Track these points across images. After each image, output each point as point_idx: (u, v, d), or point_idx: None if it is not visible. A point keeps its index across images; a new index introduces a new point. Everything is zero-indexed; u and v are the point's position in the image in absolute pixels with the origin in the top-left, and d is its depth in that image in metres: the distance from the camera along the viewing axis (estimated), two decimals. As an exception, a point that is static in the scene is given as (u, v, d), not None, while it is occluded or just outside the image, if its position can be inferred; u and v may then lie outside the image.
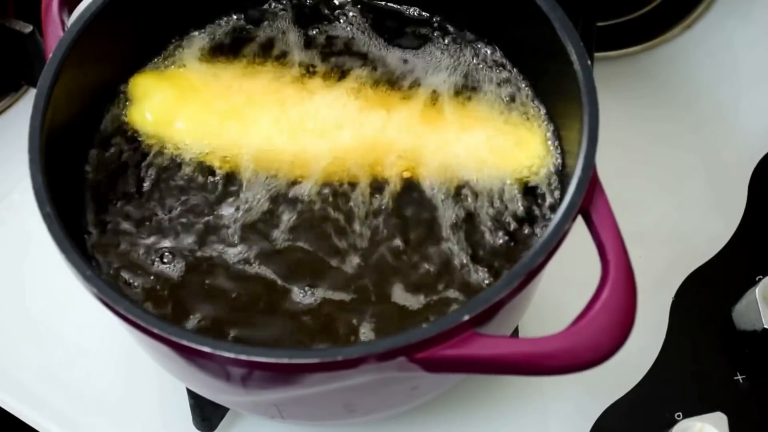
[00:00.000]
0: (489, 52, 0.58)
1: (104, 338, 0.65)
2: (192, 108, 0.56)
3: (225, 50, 0.59)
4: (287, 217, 0.53)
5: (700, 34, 0.79)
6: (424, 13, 0.60)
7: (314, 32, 0.59)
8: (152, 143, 0.56)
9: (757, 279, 0.65)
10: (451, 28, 0.59)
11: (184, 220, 0.53)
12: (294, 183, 0.54)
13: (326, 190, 0.54)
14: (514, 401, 0.63)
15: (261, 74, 0.58)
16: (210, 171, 0.55)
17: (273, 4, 0.60)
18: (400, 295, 0.51)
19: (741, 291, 0.64)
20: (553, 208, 0.52)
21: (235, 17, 0.60)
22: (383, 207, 0.53)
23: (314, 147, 0.55)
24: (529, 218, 0.53)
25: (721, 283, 0.66)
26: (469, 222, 0.53)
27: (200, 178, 0.54)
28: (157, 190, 0.54)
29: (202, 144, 0.55)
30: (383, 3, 0.60)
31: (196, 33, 0.60)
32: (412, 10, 0.60)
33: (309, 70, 0.58)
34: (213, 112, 0.56)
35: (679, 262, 0.67)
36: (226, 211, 0.53)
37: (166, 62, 0.58)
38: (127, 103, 0.57)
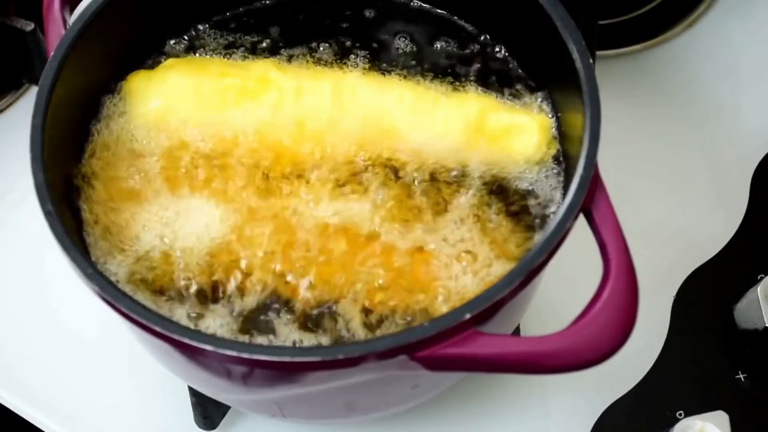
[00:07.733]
0: (490, 49, 0.58)
1: (106, 336, 0.65)
2: (192, 104, 0.56)
3: (226, 46, 0.59)
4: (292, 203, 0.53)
5: (701, 33, 0.79)
6: (426, 6, 0.60)
7: (315, 27, 0.60)
8: (153, 139, 0.56)
9: (758, 278, 0.65)
10: (453, 25, 0.59)
11: (187, 215, 0.53)
12: (295, 173, 0.54)
13: (332, 176, 0.54)
14: (515, 400, 0.63)
15: (261, 68, 0.57)
16: (212, 165, 0.55)
17: (270, 1, 0.61)
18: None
19: (742, 290, 0.64)
20: (555, 206, 0.52)
21: (235, 13, 0.60)
22: (384, 197, 0.53)
23: (315, 134, 0.55)
24: (530, 217, 0.53)
25: (723, 281, 0.66)
26: (470, 219, 0.53)
27: (202, 174, 0.54)
28: (158, 187, 0.54)
29: (203, 138, 0.55)
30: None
31: (197, 31, 0.60)
32: (415, 3, 0.60)
33: (308, 61, 0.58)
34: (213, 108, 0.56)
35: (681, 261, 0.67)
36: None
37: (166, 60, 0.58)
38: (128, 100, 0.57)
